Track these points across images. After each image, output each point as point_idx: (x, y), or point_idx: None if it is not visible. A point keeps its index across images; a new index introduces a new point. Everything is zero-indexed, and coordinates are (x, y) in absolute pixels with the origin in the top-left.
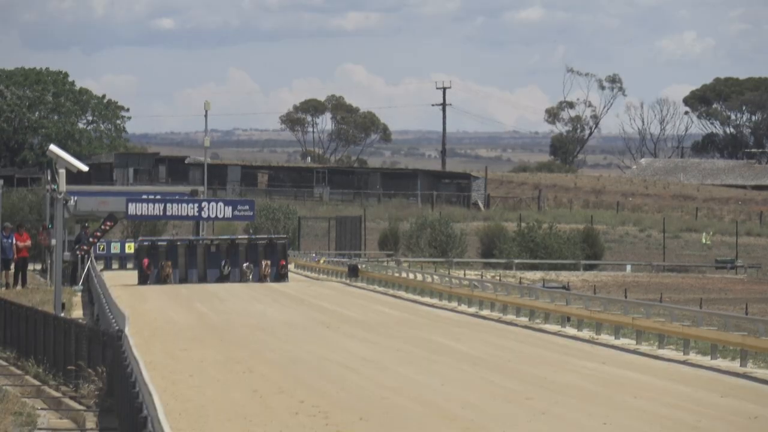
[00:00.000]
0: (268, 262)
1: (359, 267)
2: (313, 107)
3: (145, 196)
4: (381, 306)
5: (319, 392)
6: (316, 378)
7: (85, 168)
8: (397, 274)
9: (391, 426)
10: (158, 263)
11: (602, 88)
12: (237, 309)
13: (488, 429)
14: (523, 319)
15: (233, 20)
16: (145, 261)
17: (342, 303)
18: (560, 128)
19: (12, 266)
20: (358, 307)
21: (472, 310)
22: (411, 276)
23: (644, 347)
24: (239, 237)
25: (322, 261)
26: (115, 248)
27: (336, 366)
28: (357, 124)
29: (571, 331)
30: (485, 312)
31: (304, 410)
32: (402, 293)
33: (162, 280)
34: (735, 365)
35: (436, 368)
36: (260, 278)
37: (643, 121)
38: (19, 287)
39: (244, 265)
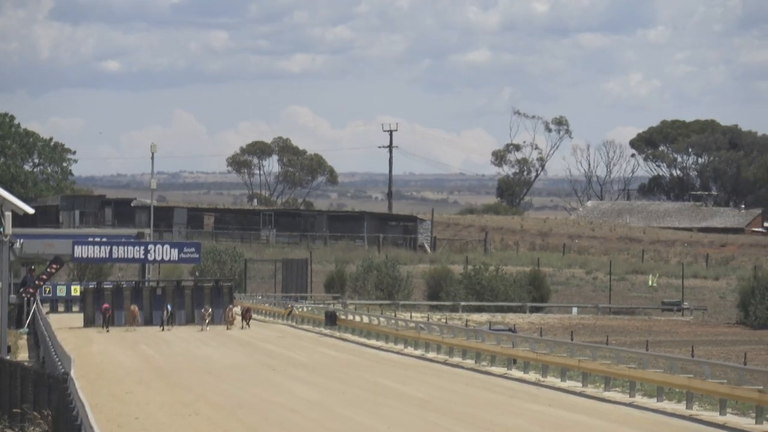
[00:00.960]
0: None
1: (338, 314)
2: (259, 149)
3: (91, 239)
4: (326, 348)
5: None
6: (261, 421)
7: (31, 210)
8: (375, 322)
9: None
10: (122, 307)
11: (549, 130)
12: (183, 352)
13: None
14: (470, 362)
15: (179, 62)
16: (106, 305)
17: (288, 345)
18: (507, 170)
19: None
20: (303, 350)
21: (419, 352)
22: (387, 322)
23: (590, 389)
24: (185, 280)
25: (298, 309)
26: (61, 291)
27: (281, 409)
28: (303, 166)
29: (517, 373)
30: (431, 354)
31: None
32: (348, 335)
33: (129, 321)
34: (681, 407)
35: (382, 411)
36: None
37: (589, 164)
38: None
39: (204, 309)
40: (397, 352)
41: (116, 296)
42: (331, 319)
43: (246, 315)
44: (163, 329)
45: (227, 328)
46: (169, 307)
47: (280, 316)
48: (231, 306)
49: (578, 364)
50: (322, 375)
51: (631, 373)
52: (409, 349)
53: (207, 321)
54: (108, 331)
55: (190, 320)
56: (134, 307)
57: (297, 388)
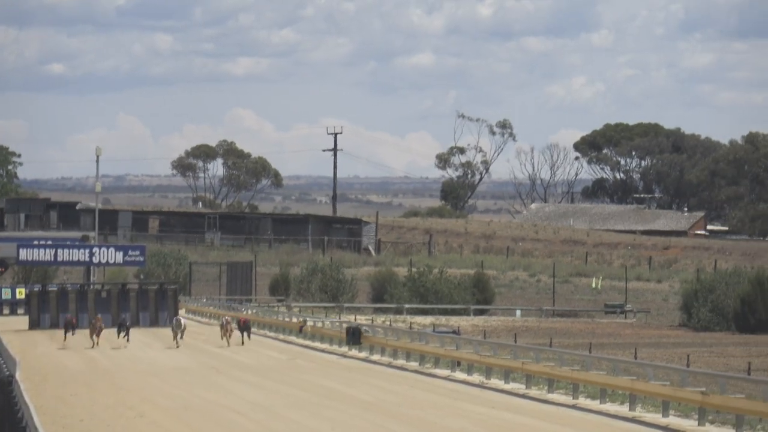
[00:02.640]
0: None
1: (362, 331)
2: (204, 153)
3: (36, 242)
4: (271, 351)
5: None
6: (206, 423)
7: None
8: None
9: None
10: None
11: (493, 133)
12: (128, 354)
13: None
14: (413, 364)
15: (124, 65)
16: (70, 317)
17: (233, 348)
18: (451, 173)
19: None
20: (248, 352)
21: (363, 354)
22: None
23: (534, 391)
24: (130, 283)
25: (308, 324)
26: (5, 294)
27: (226, 411)
28: (248, 169)
29: (461, 375)
30: (375, 357)
31: None
32: (293, 338)
33: (93, 332)
34: (624, 409)
35: (326, 413)
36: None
37: (533, 167)
38: None
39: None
40: (341, 355)
41: (61, 299)
42: (355, 338)
43: (245, 328)
44: (119, 338)
45: (227, 345)
46: (126, 320)
47: (286, 330)
48: (228, 319)
49: (522, 367)
50: (266, 377)
51: (574, 375)
52: (354, 351)
53: (179, 335)
54: (70, 336)
55: (134, 323)
56: (98, 318)
57: (242, 391)
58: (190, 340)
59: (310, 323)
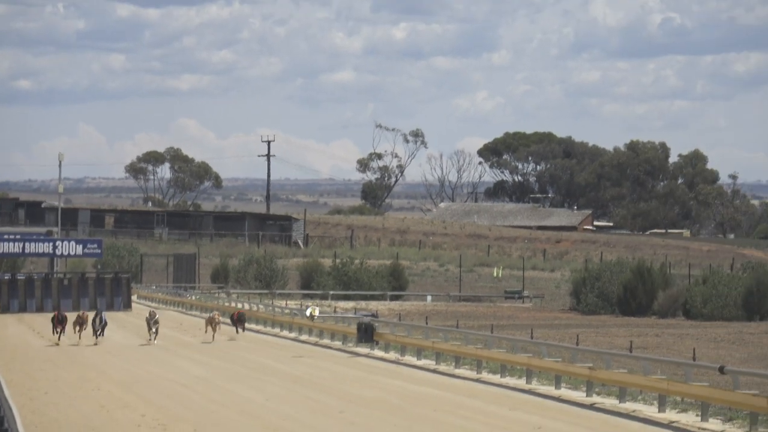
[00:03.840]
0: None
1: (375, 327)
2: (153, 158)
3: (6, 236)
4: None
5: (157, 407)
6: (155, 394)
7: None
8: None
9: None
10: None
11: (406, 141)
12: (87, 335)
13: None
14: (337, 343)
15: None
16: (56, 313)
17: (179, 328)
18: (370, 176)
19: None
20: (192, 332)
21: (293, 335)
22: (264, 309)
23: (443, 367)
24: (89, 272)
25: (315, 311)
26: None
27: (173, 384)
28: (192, 172)
29: (378, 353)
30: (304, 337)
31: (146, 423)
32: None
33: (78, 326)
34: (522, 383)
35: (261, 386)
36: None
37: (442, 170)
38: None
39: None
40: (274, 335)
41: (28, 287)
42: (367, 334)
43: (239, 321)
44: (96, 337)
45: (212, 338)
46: (103, 316)
47: (286, 326)
48: (215, 312)
49: (432, 345)
50: (209, 354)
51: (478, 352)
52: (285, 332)
53: (154, 330)
54: (60, 336)
55: (92, 307)
56: (83, 313)
57: (187, 366)
58: (176, 335)
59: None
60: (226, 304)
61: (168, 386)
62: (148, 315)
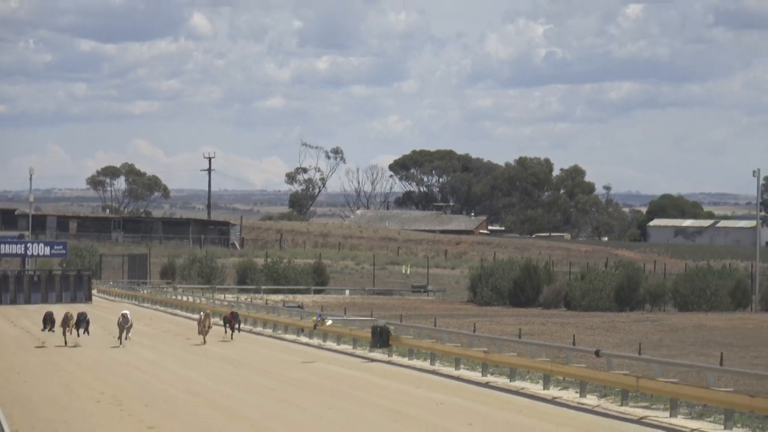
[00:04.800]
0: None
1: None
2: (111, 172)
3: None
4: (163, 322)
5: (115, 386)
6: (112, 376)
7: None
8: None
9: (169, 411)
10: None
11: (328, 157)
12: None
13: (242, 412)
14: (268, 331)
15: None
16: (50, 313)
17: (134, 318)
18: (297, 187)
19: None
20: (144, 323)
21: (292, 337)
22: (207, 301)
23: (359, 351)
24: (55, 269)
25: (328, 322)
26: None
27: (128, 367)
28: (144, 184)
29: (304, 339)
30: (304, 339)
31: (104, 399)
32: (178, 311)
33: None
34: (426, 364)
35: (205, 369)
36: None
37: (358, 182)
38: None
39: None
40: (214, 324)
41: (3, 282)
42: (382, 339)
43: (232, 323)
44: (79, 335)
45: (203, 341)
46: (88, 317)
47: (291, 329)
48: (206, 312)
49: (350, 332)
50: (160, 342)
51: (415, 343)
52: (287, 335)
53: (126, 333)
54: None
55: (59, 300)
56: (69, 313)
57: (141, 352)
58: (164, 335)
59: (329, 322)
60: (173, 297)
61: (123, 369)
62: (121, 318)
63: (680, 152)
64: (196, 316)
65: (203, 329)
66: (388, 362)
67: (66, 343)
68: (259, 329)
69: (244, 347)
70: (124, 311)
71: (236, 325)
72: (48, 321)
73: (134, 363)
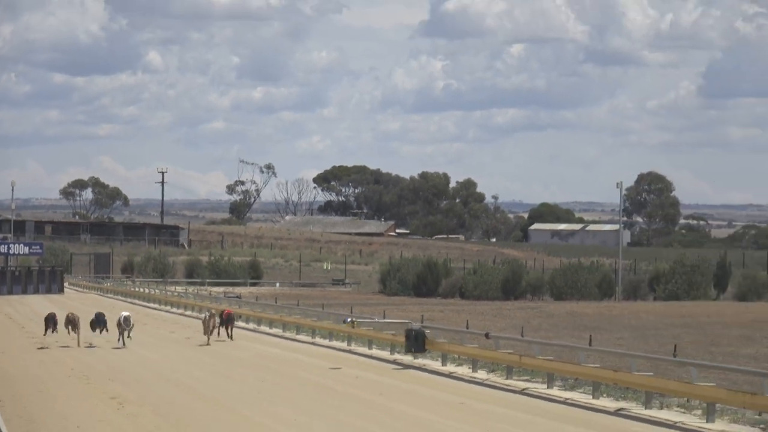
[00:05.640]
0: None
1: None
2: (80, 185)
3: None
4: (122, 310)
5: (85, 364)
6: (84, 355)
7: None
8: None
9: (130, 384)
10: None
11: (262, 172)
12: (34, 311)
13: (189, 385)
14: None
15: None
16: (53, 314)
17: (94, 305)
18: (235, 197)
19: None
20: (107, 309)
21: (179, 311)
22: (160, 292)
23: (288, 334)
24: (33, 266)
25: (354, 323)
26: None
27: (98, 349)
28: (107, 195)
29: (242, 324)
30: (189, 312)
31: (74, 375)
32: (136, 300)
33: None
34: (344, 345)
35: (159, 349)
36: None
37: (287, 193)
38: None
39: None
40: (166, 311)
41: None
42: (417, 343)
43: (228, 323)
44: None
45: (207, 342)
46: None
47: (379, 344)
48: (211, 312)
49: (280, 318)
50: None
51: (313, 324)
52: (174, 309)
53: (127, 333)
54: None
55: (36, 291)
56: (72, 315)
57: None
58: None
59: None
60: (132, 289)
61: (94, 350)
62: (122, 320)
63: (556, 167)
64: (151, 304)
65: (208, 329)
66: (305, 342)
67: (79, 343)
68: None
69: (189, 331)
70: (124, 313)
71: (230, 327)
72: (50, 322)
73: (89, 338)
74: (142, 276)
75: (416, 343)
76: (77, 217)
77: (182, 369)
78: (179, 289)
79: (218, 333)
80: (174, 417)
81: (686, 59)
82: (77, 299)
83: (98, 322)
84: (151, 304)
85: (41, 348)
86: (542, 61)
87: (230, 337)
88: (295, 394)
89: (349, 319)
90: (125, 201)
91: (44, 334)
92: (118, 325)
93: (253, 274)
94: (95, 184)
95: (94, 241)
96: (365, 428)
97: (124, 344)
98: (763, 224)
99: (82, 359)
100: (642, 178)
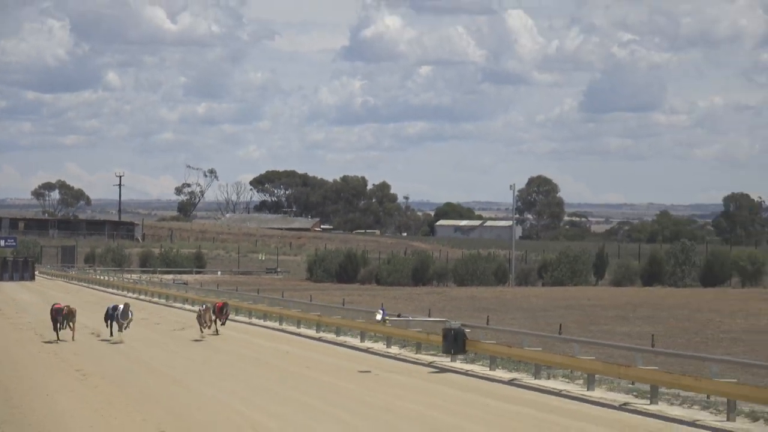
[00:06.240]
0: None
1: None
2: (48, 187)
3: None
4: (85, 295)
5: (67, 349)
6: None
7: None
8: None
9: (95, 359)
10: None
11: (206, 176)
12: (8, 296)
13: (156, 367)
14: (162, 301)
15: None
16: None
17: (74, 294)
18: (183, 198)
19: None
20: (72, 293)
21: (135, 295)
22: (118, 280)
23: (231, 317)
24: (8, 257)
25: (386, 322)
26: None
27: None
28: (72, 195)
29: (188, 306)
30: (143, 297)
31: (44, 350)
32: (97, 287)
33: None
34: (276, 324)
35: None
36: (21, 278)
37: (227, 194)
38: None
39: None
40: (122, 295)
41: None
42: (457, 344)
43: (221, 315)
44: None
45: (202, 336)
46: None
47: (413, 345)
48: (207, 305)
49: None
50: (82, 308)
51: (250, 306)
52: (130, 294)
53: (125, 325)
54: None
55: (11, 279)
56: (70, 307)
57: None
58: (62, 294)
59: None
60: (94, 276)
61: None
62: (120, 311)
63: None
64: (110, 289)
65: (204, 323)
66: (242, 322)
67: (73, 338)
68: (143, 297)
69: (144, 313)
70: (125, 307)
71: (223, 319)
72: (59, 315)
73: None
74: (103, 265)
75: (455, 343)
76: (46, 214)
77: (138, 347)
78: (134, 276)
79: (216, 326)
80: (128, 387)
81: (569, 79)
82: (47, 285)
83: (124, 313)
84: (110, 290)
85: (48, 342)
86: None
87: (216, 329)
88: (244, 372)
89: (380, 317)
90: (88, 201)
91: (54, 330)
92: (116, 317)
93: (198, 263)
94: (62, 186)
95: (61, 235)
96: None
97: (111, 335)
98: (635, 221)
99: (51, 336)
100: (532, 181)
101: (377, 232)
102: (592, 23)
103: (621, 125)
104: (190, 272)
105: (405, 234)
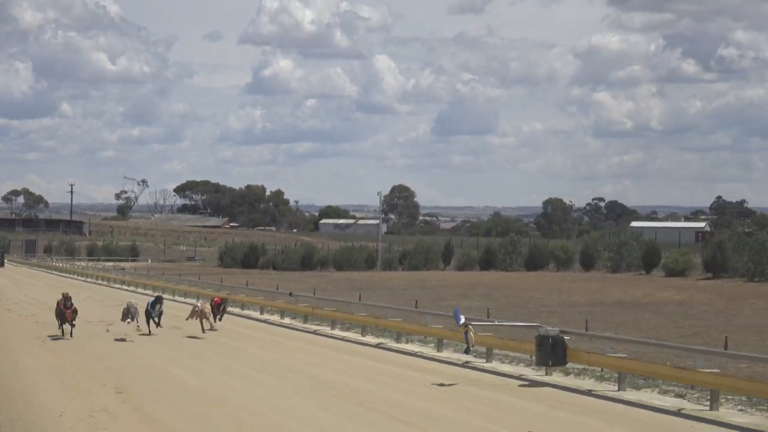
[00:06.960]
0: None
1: (566, 343)
2: (14, 193)
3: None
4: (49, 279)
5: (31, 313)
6: (33, 309)
7: None
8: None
9: (75, 349)
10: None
11: (139, 184)
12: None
13: (136, 353)
14: (105, 283)
15: None
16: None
17: (36, 277)
18: (121, 202)
19: None
20: (37, 278)
21: (83, 279)
22: (80, 267)
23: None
24: None
25: (471, 332)
26: None
27: (43, 307)
28: (34, 200)
29: (129, 288)
30: (89, 280)
31: (23, 320)
32: (54, 272)
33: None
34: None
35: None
36: None
37: (156, 199)
38: None
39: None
40: (82, 281)
41: None
42: (556, 353)
43: (218, 310)
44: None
45: (202, 331)
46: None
47: (497, 356)
48: (202, 300)
49: (151, 284)
50: (48, 290)
51: (188, 288)
52: (81, 279)
53: (134, 320)
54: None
55: None
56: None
57: (41, 296)
58: (25, 279)
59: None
60: (51, 263)
61: (38, 304)
62: (130, 307)
63: (337, 181)
64: (73, 276)
65: (201, 317)
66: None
67: (72, 334)
68: (91, 280)
69: (95, 293)
70: (133, 305)
71: (220, 315)
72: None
73: (45, 299)
74: (58, 255)
75: (554, 353)
76: (13, 215)
77: (80, 324)
78: (83, 263)
79: (212, 322)
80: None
81: (423, 109)
82: (14, 270)
83: (128, 313)
84: (63, 274)
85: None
86: (327, 111)
87: (211, 325)
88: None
89: (462, 322)
90: (46, 204)
91: (59, 328)
92: (125, 313)
93: (133, 253)
94: (26, 193)
95: (25, 231)
96: None
97: (150, 332)
98: (475, 220)
99: (30, 310)
100: (394, 189)
101: (274, 228)
102: (441, 66)
103: (464, 145)
104: (127, 260)
105: (295, 230)
